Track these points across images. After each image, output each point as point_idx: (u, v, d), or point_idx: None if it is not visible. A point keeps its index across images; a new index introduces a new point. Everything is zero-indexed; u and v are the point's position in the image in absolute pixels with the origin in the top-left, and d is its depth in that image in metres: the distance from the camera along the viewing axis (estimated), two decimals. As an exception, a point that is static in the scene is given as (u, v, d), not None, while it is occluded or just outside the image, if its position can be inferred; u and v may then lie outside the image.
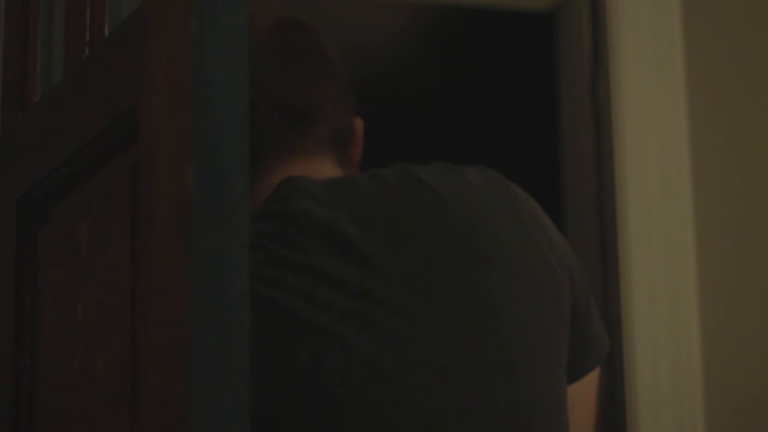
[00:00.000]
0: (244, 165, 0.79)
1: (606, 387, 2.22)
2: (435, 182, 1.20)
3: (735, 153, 2.31)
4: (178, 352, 0.77)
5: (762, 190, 2.31)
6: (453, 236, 1.16)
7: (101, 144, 0.97)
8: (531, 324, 1.16)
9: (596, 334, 1.27)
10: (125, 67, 0.91)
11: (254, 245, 1.13)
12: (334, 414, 1.09)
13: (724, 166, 2.30)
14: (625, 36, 2.29)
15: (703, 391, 2.21)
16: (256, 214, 1.19)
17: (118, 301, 0.89)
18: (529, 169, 2.62)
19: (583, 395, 1.27)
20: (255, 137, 1.22)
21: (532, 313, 1.16)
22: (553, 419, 1.16)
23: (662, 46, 2.29)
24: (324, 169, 1.29)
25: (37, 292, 1.08)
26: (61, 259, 1.03)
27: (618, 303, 2.24)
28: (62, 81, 1.08)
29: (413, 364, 1.10)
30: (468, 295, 1.14)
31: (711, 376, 2.22)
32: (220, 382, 0.76)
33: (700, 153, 2.28)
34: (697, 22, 2.32)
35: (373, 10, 3.11)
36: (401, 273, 1.13)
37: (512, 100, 3.18)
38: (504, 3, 2.54)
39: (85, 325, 0.96)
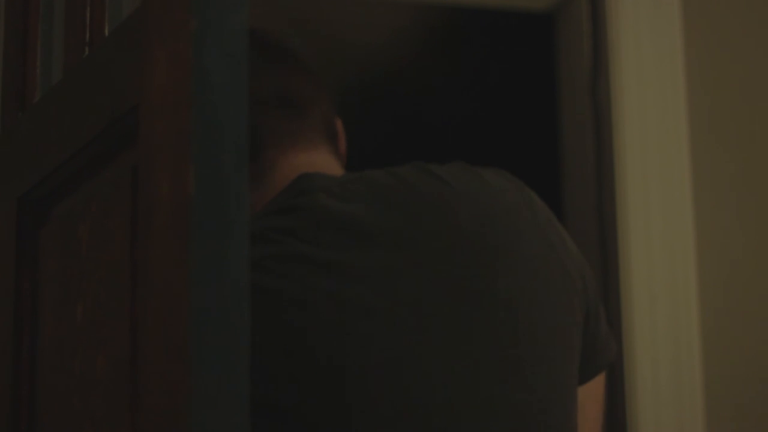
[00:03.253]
0: (244, 165, 0.79)
1: (606, 387, 2.22)
2: (454, 181, 1.20)
3: (735, 153, 2.31)
4: (178, 352, 0.77)
5: (762, 190, 2.31)
6: (470, 235, 1.16)
7: (101, 144, 0.97)
8: (545, 325, 1.16)
9: (605, 338, 1.27)
10: (125, 67, 0.91)
11: (271, 240, 1.13)
12: (348, 407, 1.09)
13: (724, 166, 2.30)
14: (625, 36, 2.29)
15: (703, 391, 2.21)
16: (271, 209, 1.19)
17: (118, 301, 0.89)
18: (529, 169, 2.62)
19: (591, 397, 1.28)
20: (254, 129, 1.22)
21: (547, 315, 1.17)
22: (565, 420, 1.16)
23: (662, 46, 2.29)
24: (324, 160, 1.30)
25: (37, 292, 1.08)
26: (61, 259, 1.03)
27: (618, 303, 2.24)
28: (62, 81, 1.08)
29: (428, 362, 1.11)
30: (484, 294, 1.14)
31: (711, 376, 2.22)
32: (221, 382, 0.76)
33: (700, 153, 2.28)
34: (697, 22, 2.32)
35: (373, 10, 3.11)
36: (419, 269, 1.13)
37: (512, 100, 3.18)
38: (504, 3, 2.54)
39: (85, 325, 0.96)
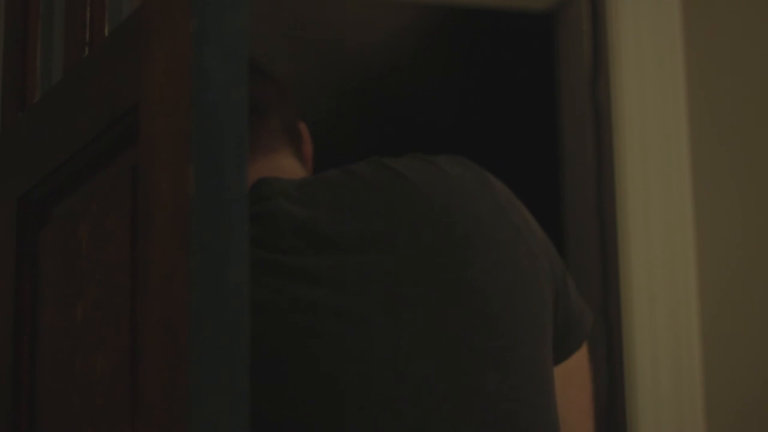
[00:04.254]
0: (244, 165, 0.79)
1: (606, 387, 2.22)
2: (410, 173, 1.20)
3: (735, 153, 2.31)
4: (178, 352, 0.77)
5: (762, 190, 2.31)
6: (434, 226, 1.17)
7: (101, 144, 0.97)
8: (517, 310, 1.16)
9: (577, 313, 1.27)
10: (125, 67, 0.91)
11: None
12: (328, 407, 1.09)
13: (724, 165, 2.30)
14: (625, 36, 2.29)
15: (703, 391, 2.21)
16: None
17: (118, 301, 0.89)
18: (529, 169, 2.62)
19: (572, 375, 1.28)
20: None
21: (518, 299, 1.17)
22: (542, 404, 1.17)
23: (662, 46, 2.29)
24: (286, 164, 1.31)
25: (37, 292, 1.08)
26: (61, 259, 1.03)
27: (618, 303, 2.24)
28: (62, 81, 1.08)
29: (402, 356, 1.11)
30: (453, 283, 1.14)
31: (711, 376, 2.22)
32: (220, 382, 0.76)
33: (700, 153, 2.28)
34: (697, 22, 2.32)
35: (373, 10, 3.11)
36: (384, 266, 1.14)
37: (512, 100, 3.18)
38: (504, 3, 2.54)
39: (85, 325, 0.96)
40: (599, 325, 2.20)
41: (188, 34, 0.79)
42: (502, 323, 1.15)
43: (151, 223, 0.82)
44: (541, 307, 1.19)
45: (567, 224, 2.37)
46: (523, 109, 3.14)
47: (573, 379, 1.28)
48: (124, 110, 0.90)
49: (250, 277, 1.12)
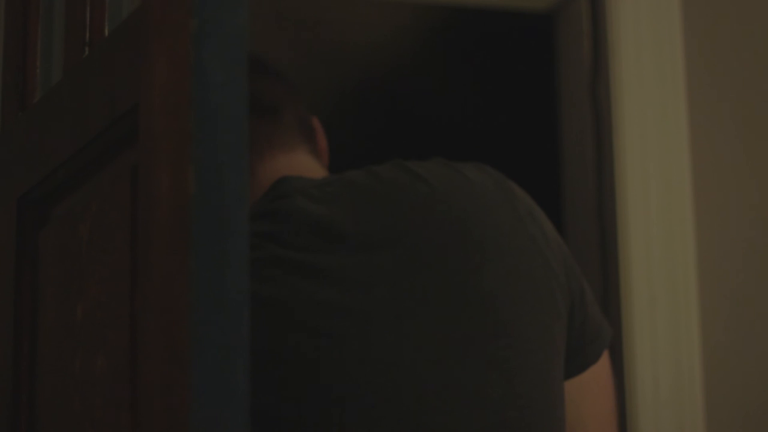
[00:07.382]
0: (244, 165, 0.79)
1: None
2: (431, 177, 1.20)
3: (735, 152, 2.31)
4: (178, 353, 0.77)
5: (762, 190, 2.31)
6: (449, 231, 1.17)
7: (101, 144, 0.97)
8: (527, 319, 1.16)
9: (596, 326, 1.27)
10: (125, 67, 0.91)
11: (251, 245, 1.14)
12: (330, 408, 1.09)
13: (724, 165, 2.30)
14: (625, 36, 2.29)
15: (703, 391, 2.21)
16: (251, 213, 1.20)
17: (118, 301, 0.89)
18: (529, 169, 2.62)
19: (590, 387, 1.27)
20: None
21: (528, 308, 1.17)
22: (548, 413, 1.16)
23: (662, 46, 2.29)
24: (305, 162, 1.32)
25: (37, 292, 1.08)
26: (61, 259, 1.03)
27: (618, 303, 2.24)
28: (62, 81, 1.08)
29: (405, 358, 1.11)
30: (464, 289, 1.14)
31: (711, 377, 2.22)
32: (221, 382, 0.76)
33: (700, 152, 2.28)
34: (697, 22, 2.32)
35: (373, 10, 3.11)
36: (398, 268, 1.14)
37: (512, 101, 3.18)
38: (504, 3, 2.54)
39: (85, 325, 0.96)
40: (599, 325, 2.20)
41: (188, 34, 0.79)
42: (510, 331, 1.15)
43: (151, 223, 0.82)
44: (553, 317, 1.19)
45: (567, 224, 2.37)
46: (523, 109, 3.14)
47: (591, 389, 1.27)
48: (124, 110, 0.90)
49: (261, 272, 1.12)
